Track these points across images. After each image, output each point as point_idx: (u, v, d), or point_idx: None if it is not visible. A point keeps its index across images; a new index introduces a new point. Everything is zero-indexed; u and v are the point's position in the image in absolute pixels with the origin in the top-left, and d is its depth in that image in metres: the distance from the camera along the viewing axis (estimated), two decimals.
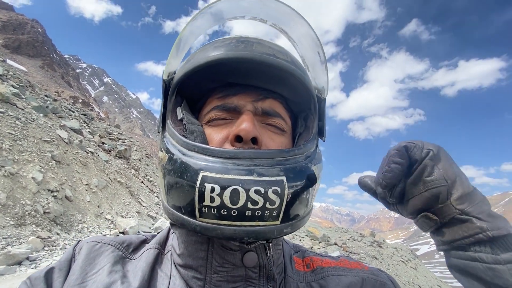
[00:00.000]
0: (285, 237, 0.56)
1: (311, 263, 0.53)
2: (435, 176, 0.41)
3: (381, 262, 12.00)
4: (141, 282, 0.43)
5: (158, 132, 0.51)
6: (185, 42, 0.50)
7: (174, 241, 0.49)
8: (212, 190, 0.35)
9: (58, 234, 4.98)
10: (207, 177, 0.35)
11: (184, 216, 0.38)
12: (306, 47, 0.54)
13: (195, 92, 0.50)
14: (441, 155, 0.42)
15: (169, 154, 0.42)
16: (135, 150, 14.90)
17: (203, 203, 0.35)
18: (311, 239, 11.53)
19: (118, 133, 15.95)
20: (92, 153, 8.93)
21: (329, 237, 12.73)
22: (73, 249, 0.48)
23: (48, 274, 0.44)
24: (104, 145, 11.24)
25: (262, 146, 0.43)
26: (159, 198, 12.06)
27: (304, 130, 0.51)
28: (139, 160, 14.27)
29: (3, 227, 4.30)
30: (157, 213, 9.40)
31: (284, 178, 0.37)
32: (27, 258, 3.97)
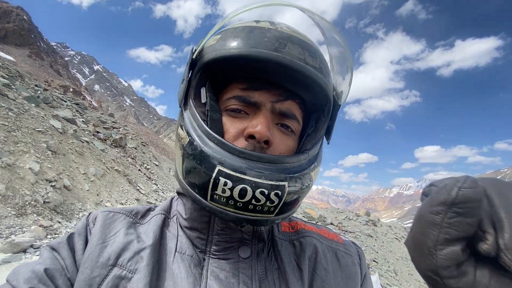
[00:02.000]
0: None
1: (296, 225, 0.61)
2: None
3: (375, 239, 12.43)
4: (154, 239, 0.50)
5: (180, 106, 0.52)
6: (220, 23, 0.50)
7: (179, 207, 0.56)
8: (225, 184, 0.40)
9: (59, 222, 5.08)
10: (223, 172, 0.40)
11: (197, 195, 0.44)
12: (336, 51, 0.55)
13: (218, 73, 0.51)
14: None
15: (190, 137, 0.45)
16: (131, 138, 14.84)
17: (216, 191, 0.41)
18: (308, 220, 11.82)
19: (112, 121, 15.80)
20: (87, 142, 8.90)
21: (325, 217, 13.09)
22: (86, 218, 0.53)
23: (70, 239, 0.49)
24: (99, 134, 11.17)
25: (270, 146, 0.46)
26: (157, 185, 12.16)
27: (313, 131, 0.54)
28: (135, 149, 14.25)
29: (5, 217, 4.37)
30: (156, 199, 9.53)
31: (286, 183, 0.42)
32: (31, 246, 4.07)
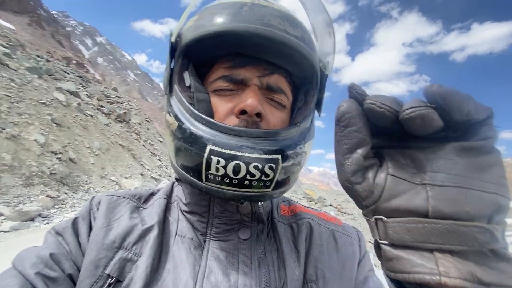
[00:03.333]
0: None
1: (295, 209, 0.62)
2: (491, 177, 0.26)
3: None
4: (159, 223, 0.51)
5: (166, 94, 0.52)
6: (195, 5, 0.51)
7: (179, 193, 0.57)
8: (218, 162, 0.40)
9: (66, 193, 5.22)
10: (214, 151, 0.40)
11: (192, 178, 0.44)
12: (319, 19, 0.54)
13: (201, 55, 0.51)
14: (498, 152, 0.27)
15: (178, 122, 0.45)
16: (135, 114, 14.83)
17: (209, 171, 0.41)
18: (308, 201, 12.09)
19: (116, 96, 15.71)
20: (91, 116, 8.91)
21: (325, 199, 13.33)
22: (90, 202, 0.54)
23: (74, 223, 0.50)
24: (103, 108, 11.16)
25: (263, 119, 0.46)
26: (161, 161, 12.33)
27: (303, 105, 0.54)
28: (139, 124, 14.29)
29: (13, 186, 4.48)
30: (159, 175, 9.71)
31: (279, 156, 0.42)
32: (39, 215, 4.22)
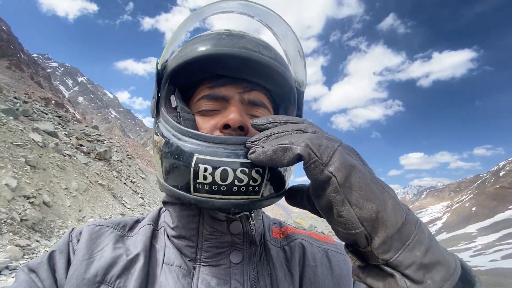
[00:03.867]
0: (270, 215, 0.67)
1: (286, 231, 0.61)
2: (347, 218, 0.31)
3: None
4: (145, 252, 0.49)
5: (153, 117, 0.54)
6: (177, 36, 0.55)
7: (167, 218, 0.55)
8: (205, 169, 0.40)
9: (37, 241, 4.79)
10: (201, 159, 0.41)
11: (181, 192, 0.44)
12: (288, 44, 0.59)
13: (186, 81, 0.54)
14: (353, 180, 0.31)
15: (165, 138, 0.46)
16: (116, 151, 14.45)
17: (197, 180, 0.41)
18: None
19: (97, 134, 15.36)
20: (69, 156, 8.57)
21: (315, 227, 13.06)
22: (69, 234, 0.51)
23: (50, 258, 0.47)
24: (82, 147, 10.81)
25: (248, 134, 0.48)
26: (143, 199, 11.81)
27: None
28: (121, 161, 13.87)
29: None
30: (142, 214, 9.22)
31: None
32: (6, 267, 3.80)
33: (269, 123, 0.40)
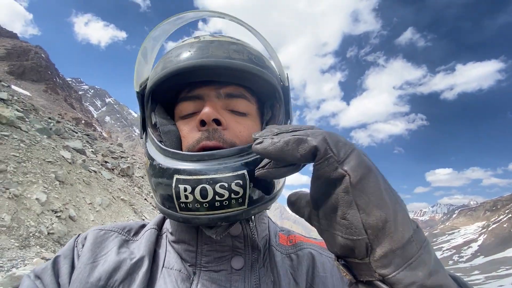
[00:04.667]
0: (278, 223, 0.65)
1: (294, 239, 0.58)
2: (351, 222, 0.29)
3: None
4: (149, 256, 0.48)
5: (141, 138, 0.56)
6: (151, 50, 0.56)
7: (167, 224, 0.55)
8: (185, 189, 0.41)
9: None
10: (180, 179, 0.41)
11: (169, 210, 0.44)
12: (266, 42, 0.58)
13: (167, 95, 0.54)
14: (366, 183, 0.29)
15: (150, 160, 0.47)
16: (138, 167, 14.94)
17: (180, 200, 0.41)
18: None
19: (121, 151, 16.06)
20: (95, 172, 8.98)
21: None
22: (75, 240, 0.52)
23: (55, 263, 0.47)
24: (107, 163, 11.31)
25: (228, 129, 0.47)
26: None
27: (271, 117, 0.56)
28: (142, 178, 14.28)
29: (8, 249, 4.29)
30: None
31: (245, 171, 0.42)
32: None
33: (275, 135, 0.33)
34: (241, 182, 0.41)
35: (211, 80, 0.51)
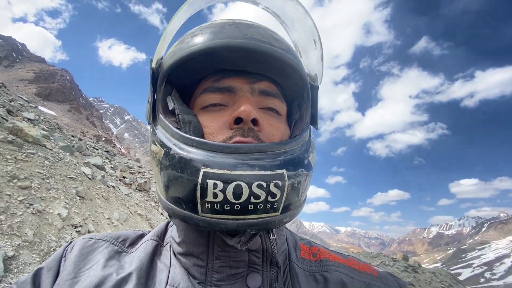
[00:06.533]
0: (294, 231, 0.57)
1: (318, 253, 0.51)
2: None
3: None
4: (139, 271, 0.41)
5: (149, 123, 0.49)
6: (173, 29, 0.48)
7: (173, 233, 0.48)
8: (215, 186, 0.34)
9: None
10: (209, 173, 0.35)
11: (186, 212, 0.38)
12: (300, 33, 0.52)
13: (185, 80, 0.48)
14: None
15: (164, 149, 0.40)
16: (154, 182, 15.21)
17: (206, 199, 0.35)
18: None
19: (138, 166, 16.45)
20: (113, 187, 9.20)
21: None
22: (64, 249, 0.46)
23: (36, 276, 0.42)
24: (125, 179, 11.58)
25: (262, 131, 0.42)
26: None
27: (299, 118, 0.51)
28: None
29: (29, 264, 4.40)
30: None
31: (284, 171, 0.36)
32: None
33: None
34: (279, 183, 0.35)
35: (242, 70, 0.45)
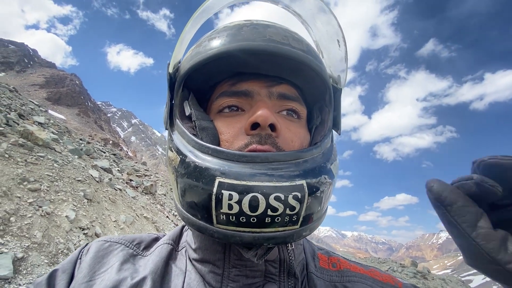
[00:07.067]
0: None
1: (338, 263, 0.49)
2: None
3: None
4: (154, 276, 0.41)
5: (166, 129, 0.48)
6: (190, 33, 0.46)
7: (189, 237, 0.48)
8: (230, 197, 0.33)
9: None
10: (224, 184, 0.34)
11: (201, 222, 0.37)
12: (323, 32, 0.50)
13: (202, 84, 0.47)
14: None
15: (180, 156, 0.39)
16: (160, 185, 15.30)
17: (221, 210, 0.34)
18: None
19: (145, 169, 16.62)
20: (120, 190, 9.29)
21: None
22: (80, 251, 0.46)
23: (51, 278, 0.42)
24: (132, 182, 11.69)
25: (280, 136, 0.40)
26: None
27: (320, 123, 0.48)
28: (164, 195, 14.56)
29: (38, 265, 4.45)
30: None
31: (304, 182, 0.35)
32: None
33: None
34: (299, 195, 0.34)
35: (259, 73, 0.43)
